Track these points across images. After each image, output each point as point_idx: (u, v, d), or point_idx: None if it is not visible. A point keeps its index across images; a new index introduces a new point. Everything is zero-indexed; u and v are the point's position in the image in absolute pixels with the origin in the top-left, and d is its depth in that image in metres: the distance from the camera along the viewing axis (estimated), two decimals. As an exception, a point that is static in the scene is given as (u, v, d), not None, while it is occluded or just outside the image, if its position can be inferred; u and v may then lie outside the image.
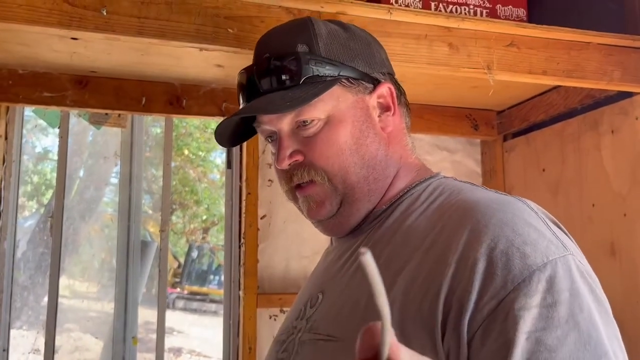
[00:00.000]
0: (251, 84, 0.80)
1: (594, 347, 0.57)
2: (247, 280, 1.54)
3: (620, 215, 1.32)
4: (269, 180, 1.65)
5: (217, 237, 8.85)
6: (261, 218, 1.63)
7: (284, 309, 1.59)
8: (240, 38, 1.02)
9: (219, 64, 1.26)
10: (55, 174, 1.60)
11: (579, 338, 0.57)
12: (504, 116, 1.71)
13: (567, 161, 1.49)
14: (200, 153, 7.71)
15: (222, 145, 0.87)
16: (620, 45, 1.25)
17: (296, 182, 0.79)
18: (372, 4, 1.12)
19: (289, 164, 0.79)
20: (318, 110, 0.77)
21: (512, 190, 1.69)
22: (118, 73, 1.37)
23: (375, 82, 0.81)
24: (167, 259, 1.74)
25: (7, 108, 1.52)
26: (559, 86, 1.46)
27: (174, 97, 1.44)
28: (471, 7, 1.28)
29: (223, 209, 1.79)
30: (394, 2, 1.21)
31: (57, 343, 1.56)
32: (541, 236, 0.63)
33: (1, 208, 1.52)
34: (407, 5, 1.22)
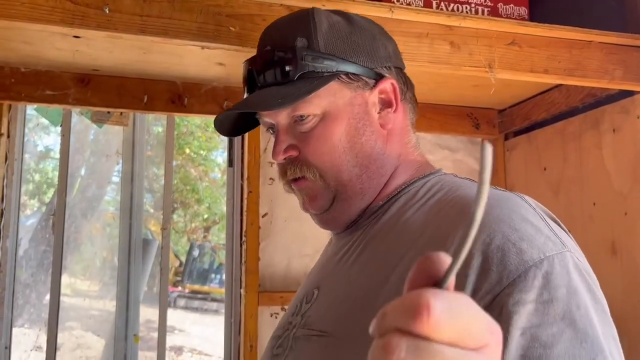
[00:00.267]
0: (251, 76, 0.80)
1: (590, 345, 0.56)
2: (248, 278, 1.55)
3: (621, 214, 1.32)
4: (270, 178, 1.65)
5: (218, 236, 8.87)
6: (262, 216, 1.63)
7: (285, 307, 1.59)
8: (241, 36, 1.02)
9: (221, 62, 1.27)
10: (57, 173, 1.61)
11: (574, 335, 0.56)
12: (505, 115, 1.71)
13: (568, 160, 1.49)
14: (202, 152, 7.72)
15: (223, 135, 0.87)
16: (621, 44, 1.25)
17: (290, 177, 0.79)
18: (373, 2, 1.12)
19: (284, 159, 0.79)
20: (314, 105, 0.76)
21: (513, 189, 1.69)
22: (120, 71, 1.38)
23: (378, 77, 0.79)
24: (169, 257, 1.74)
25: (10, 106, 1.52)
26: (561, 85, 1.46)
27: (176, 95, 1.45)
28: (473, 5, 1.28)
29: (224, 208, 1.79)
30: (395, 1, 1.22)
31: (59, 341, 1.57)
32: (538, 232, 0.62)
33: (3, 206, 1.53)
34: (408, 4, 1.22)
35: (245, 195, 1.60)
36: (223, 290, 1.74)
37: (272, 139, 0.84)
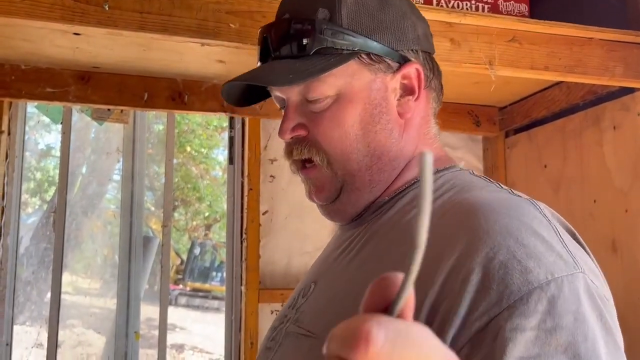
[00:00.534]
0: (265, 44, 0.74)
1: None
2: (249, 275, 1.55)
3: (622, 212, 1.32)
4: (271, 176, 1.65)
5: (219, 234, 8.87)
6: (263, 214, 1.63)
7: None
8: (241, 33, 1.02)
9: (221, 59, 1.27)
10: (58, 171, 1.61)
11: None
12: (506, 112, 1.71)
13: (568, 157, 1.49)
14: (203, 150, 7.73)
15: (231, 104, 0.81)
16: (622, 40, 1.25)
17: (295, 158, 0.74)
18: (373, -1, 1.12)
19: (291, 137, 0.73)
20: (327, 85, 0.70)
21: (514, 187, 1.69)
22: (120, 69, 1.38)
23: (402, 61, 0.72)
24: (169, 254, 1.74)
25: (10, 104, 1.52)
26: (561, 82, 1.46)
27: (176, 92, 1.45)
28: (473, 2, 1.28)
29: (225, 206, 1.79)
30: (395, -2, 1.21)
31: (60, 338, 1.57)
32: (549, 249, 0.55)
33: (4, 204, 1.53)
34: (408, 1, 1.22)
35: (245, 193, 1.60)
36: (224, 288, 1.74)
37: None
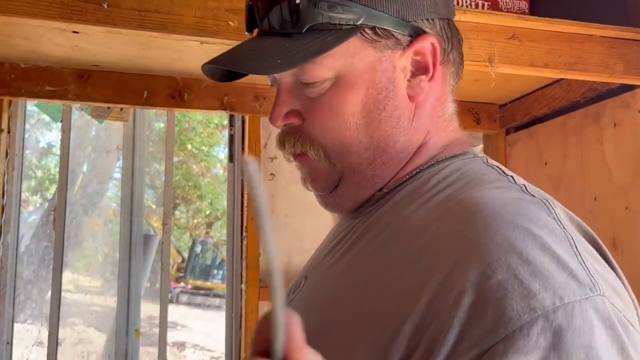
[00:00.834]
0: (251, 16, 0.63)
1: None
2: (249, 273, 1.55)
3: (622, 209, 1.32)
4: (271, 174, 1.65)
5: (220, 232, 8.88)
6: (263, 212, 1.63)
7: (286, 302, 1.59)
8: (240, 31, 1.02)
9: (220, 57, 1.26)
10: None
11: None
12: (506, 110, 1.71)
13: (569, 155, 1.49)
14: (204, 148, 7.73)
15: (213, 80, 0.68)
16: (622, 37, 1.25)
17: (288, 151, 0.65)
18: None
19: (283, 125, 0.64)
20: (324, 68, 0.59)
21: (514, 184, 1.69)
22: (120, 67, 1.37)
23: (415, 34, 0.61)
24: (170, 252, 1.74)
25: (10, 102, 1.53)
26: (561, 79, 1.46)
27: (176, 90, 1.44)
28: (473, -1, 1.28)
29: (226, 204, 1.80)
30: (395, -5, 1.21)
31: (60, 336, 1.57)
32: (560, 266, 0.45)
33: (4, 202, 1.53)
34: (408, -2, 1.22)
35: (246, 191, 1.60)
36: (225, 285, 1.74)
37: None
